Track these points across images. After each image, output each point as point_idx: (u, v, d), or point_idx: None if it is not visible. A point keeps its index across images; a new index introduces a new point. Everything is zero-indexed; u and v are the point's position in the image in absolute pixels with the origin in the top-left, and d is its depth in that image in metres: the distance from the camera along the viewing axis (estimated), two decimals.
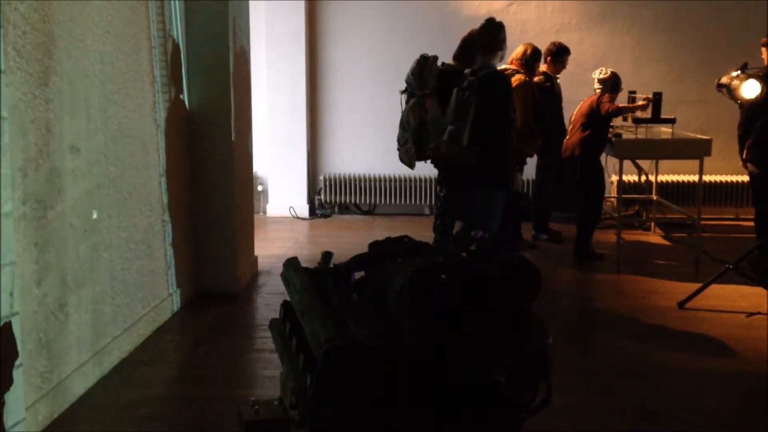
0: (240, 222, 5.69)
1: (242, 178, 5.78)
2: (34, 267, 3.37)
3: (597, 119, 6.45)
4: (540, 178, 7.30)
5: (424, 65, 5.76)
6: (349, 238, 7.53)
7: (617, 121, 7.08)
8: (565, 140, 6.68)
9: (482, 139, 4.88)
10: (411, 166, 5.92)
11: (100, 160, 4.02)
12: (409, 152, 5.80)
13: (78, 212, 3.77)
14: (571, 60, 8.16)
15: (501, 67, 5.95)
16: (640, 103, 6.65)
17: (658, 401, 3.85)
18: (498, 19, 5.71)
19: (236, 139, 5.56)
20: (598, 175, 6.62)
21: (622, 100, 6.85)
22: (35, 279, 3.38)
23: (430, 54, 5.95)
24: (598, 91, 6.59)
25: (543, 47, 6.90)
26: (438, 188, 6.27)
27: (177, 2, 5.13)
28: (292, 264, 2.79)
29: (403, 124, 5.86)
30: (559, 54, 6.94)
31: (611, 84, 6.57)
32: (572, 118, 6.72)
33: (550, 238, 7.34)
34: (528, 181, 7.90)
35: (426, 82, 5.72)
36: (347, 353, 2.10)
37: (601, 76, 6.60)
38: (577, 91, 7.13)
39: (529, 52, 6.45)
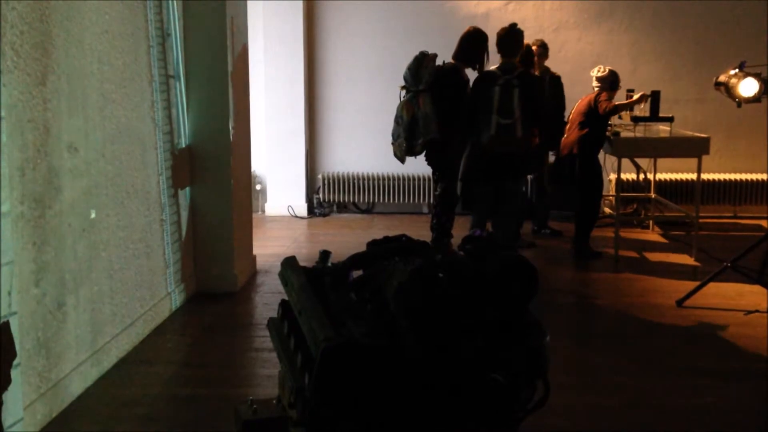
0: (238, 221, 5.69)
1: (240, 177, 5.78)
2: (32, 266, 3.38)
3: (595, 117, 6.45)
4: (536, 176, 7.33)
5: (421, 62, 5.85)
6: (348, 237, 7.54)
7: (615, 120, 7.07)
8: (563, 138, 6.67)
9: (530, 130, 5.75)
10: (402, 161, 6.06)
11: (98, 160, 4.02)
12: (402, 147, 5.91)
13: (76, 211, 3.77)
14: (569, 58, 8.19)
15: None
16: (635, 98, 6.62)
17: (656, 399, 3.86)
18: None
19: (235, 138, 5.56)
20: (596, 173, 6.62)
21: (620, 99, 6.85)
22: (33, 278, 3.38)
23: (430, 52, 5.99)
24: (596, 89, 6.59)
25: None
26: (434, 186, 6.33)
27: (175, 1, 5.13)
28: (289, 263, 2.79)
29: (397, 120, 5.96)
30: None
31: (609, 82, 6.56)
32: (570, 117, 6.71)
33: (551, 232, 7.39)
34: (527, 179, 7.89)
35: (420, 79, 5.81)
36: (345, 352, 2.10)
37: (599, 74, 6.59)
38: (575, 90, 7.11)
39: (523, 50, 6.44)
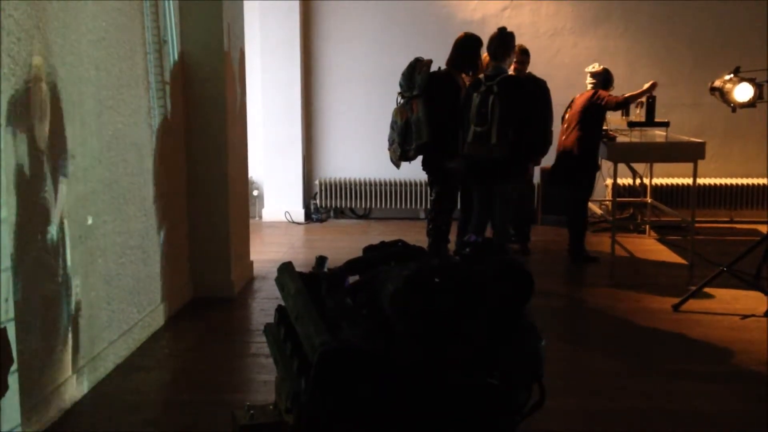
0: (235, 227, 5.70)
1: (237, 183, 5.79)
2: (30, 273, 3.37)
3: (593, 116, 6.44)
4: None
5: (414, 67, 5.89)
6: (344, 242, 7.54)
7: (614, 123, 7.07)
8: (562, 139, 6.64)
9: (508, 136, 5.60)
10: (397, 166, 6.10)
11: (95, 166, 4.03)
12: (396, 152, 5.94)
13: (73, 218, 3.77)
14: (566, 63, 8.21)
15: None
16: (645, 87, 6.57)
17: (653, 404, 3.86)
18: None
19: (231, 144, 5.57)
20: (593, 174, 6.64)
21: None
22: (31, 285, 3.38)
23: (426, 58, 6.01)
24: (590, 86, 6.59)
25: (537, 51, 6.90)
26: (429, 191, 6.36)
27: (171, 8, 5.14)
28: (286, 269, 2.80)
29: (392, 125, 6.00)
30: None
31: (602, 78, 6.56)
32: (566, 117, 6.69)
33: (521, 249, 7.15)
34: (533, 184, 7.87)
35: (414, 84, 5.84)
36: (341, 357, 2.11)
37: (593, 70, 6.60)
38: (572, 93, 7.11)
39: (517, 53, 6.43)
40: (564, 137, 6.61)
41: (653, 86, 6.53)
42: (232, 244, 5.61)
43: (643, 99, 6.68)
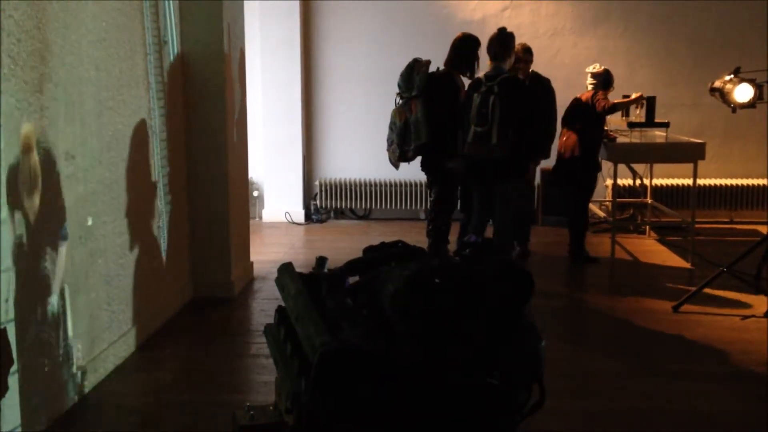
0: (235, 227, 5.70)
1: (237, 183, 5.79)
2: (30, 273, 3.37)
3: (592, 116, 6.45)
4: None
5: (413, 68, 5.89)
6: (345, 242, 7.54)
7: (614, 123, 7.08)
8: (563, 140, 6.64)
9: (509, 136, 5.63)
10: (396, 166, 6.09)
11: (95, 166, 4.03)
12: (395, 153, 5.94)
13: (73, 218, 3.77)
14: (566, 63, 8.20)
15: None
16: (635, 96, 6.60)
17: (653, 404, 3.86)
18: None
19: (231, 145, 5.57)
20: (594, 175, 6.64)
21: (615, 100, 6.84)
22: (31, 285, 3.38)
23: (424, 58, 6.01)
24: (590, 86, 6.58)
25: (537, 51, 6.89)
26: (429, 192, 6.36)
27: (171, 8, 5.14)
28: (286, 269, 2.80)
29: (391, 126, 6.00)
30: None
31: (603, 79, 6.55)
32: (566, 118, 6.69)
33: (521, 252, 7.02)
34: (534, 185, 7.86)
35: (413, 85, 5.85)
36: (342, 357, 2.11)
37: (594, 71, 6.60)
38: (572, 93, 7.11)
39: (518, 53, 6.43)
40: (565, 138, 6.62)
41: (640, 97, 6.60)
42: (232, 245, 5.61)
43: (643, 101, 6.70)
